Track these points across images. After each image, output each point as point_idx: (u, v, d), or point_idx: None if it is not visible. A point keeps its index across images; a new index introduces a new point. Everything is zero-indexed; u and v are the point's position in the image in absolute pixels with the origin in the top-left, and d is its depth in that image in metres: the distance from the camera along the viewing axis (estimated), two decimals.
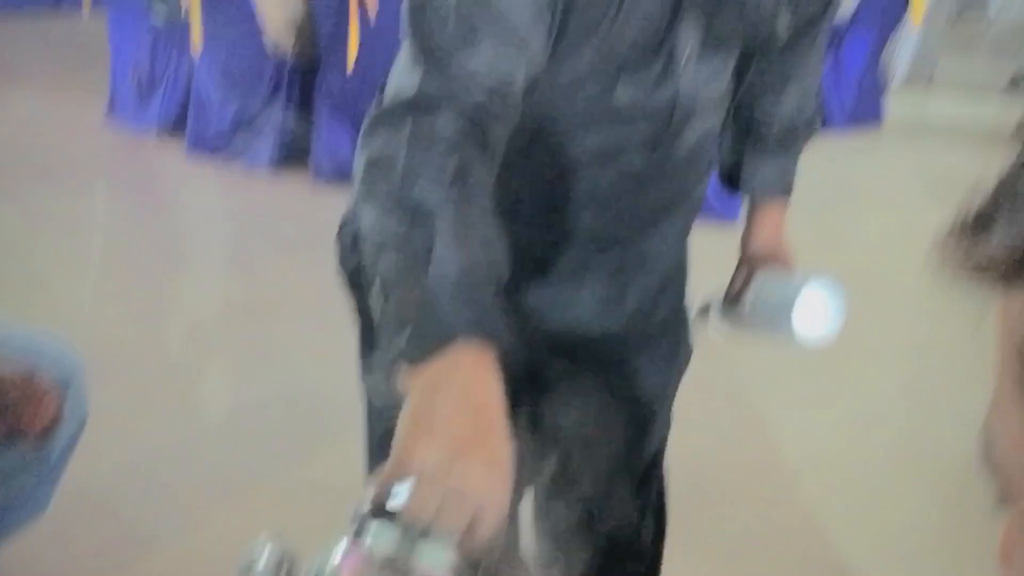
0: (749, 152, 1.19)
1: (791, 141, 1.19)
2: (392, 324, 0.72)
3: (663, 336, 1.20)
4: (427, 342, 0.70)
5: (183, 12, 4.10)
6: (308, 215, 3.66)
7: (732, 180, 1.22)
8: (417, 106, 0.80)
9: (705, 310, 1.23)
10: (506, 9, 0.81)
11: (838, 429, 2.37)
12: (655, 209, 1.09)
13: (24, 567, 1.79)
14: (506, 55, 0.81)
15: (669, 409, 1.26)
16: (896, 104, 5.40)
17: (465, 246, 0.73)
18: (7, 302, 2.90)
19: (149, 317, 2.86)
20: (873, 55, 5.09)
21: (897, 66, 5.96)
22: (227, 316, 2.92)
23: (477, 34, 0.81)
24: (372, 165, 0.78)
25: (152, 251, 3.43)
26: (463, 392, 0.69)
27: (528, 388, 1.07)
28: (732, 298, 1.19)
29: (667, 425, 1.27)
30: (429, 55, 0.82)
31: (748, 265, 1.20)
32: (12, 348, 1.44)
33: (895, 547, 1.97)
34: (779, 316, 1.07)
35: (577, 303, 1.12)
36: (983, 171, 0.36)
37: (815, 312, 1.05)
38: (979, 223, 0.34)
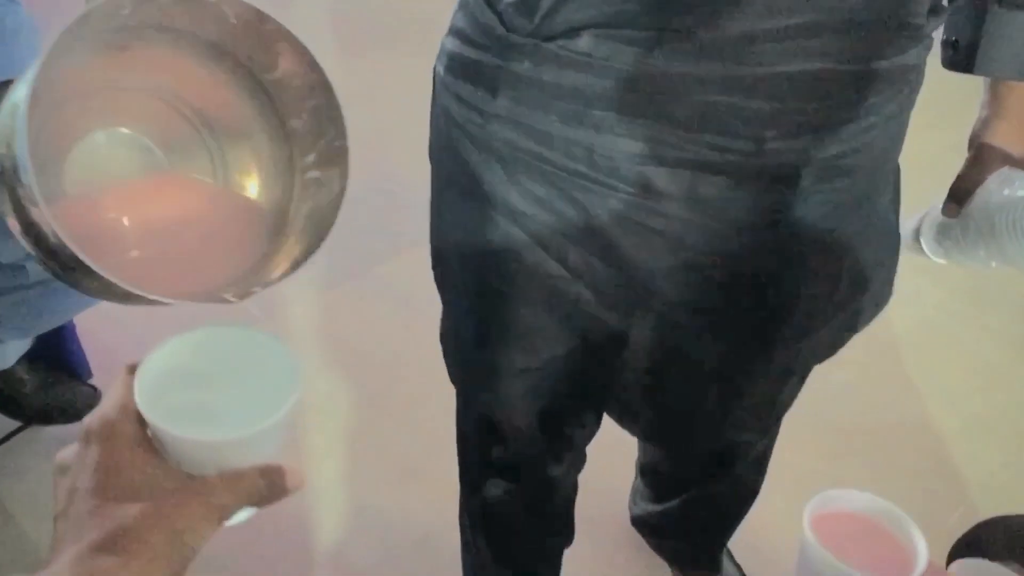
0: (993, 11, 0.85)
1: None
2: None
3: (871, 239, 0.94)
4: None
5: None
6: None
7: (965, 58, 0.88)
8: None
9: (917, 228, 0.99)
10: None
11: (947, 302, 2.33)
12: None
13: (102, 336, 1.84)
14: None
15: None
16: None
17: None
18: None
19: None
20: None
21: None
22: None
23: None
24: None
25: None
26: None
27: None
28: (954, 209, 0.93)
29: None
30: None
31: (980, 165, 0.91)
32: None
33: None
34: (1020, 228, 0.84)
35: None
36: None
37: None
38: None
